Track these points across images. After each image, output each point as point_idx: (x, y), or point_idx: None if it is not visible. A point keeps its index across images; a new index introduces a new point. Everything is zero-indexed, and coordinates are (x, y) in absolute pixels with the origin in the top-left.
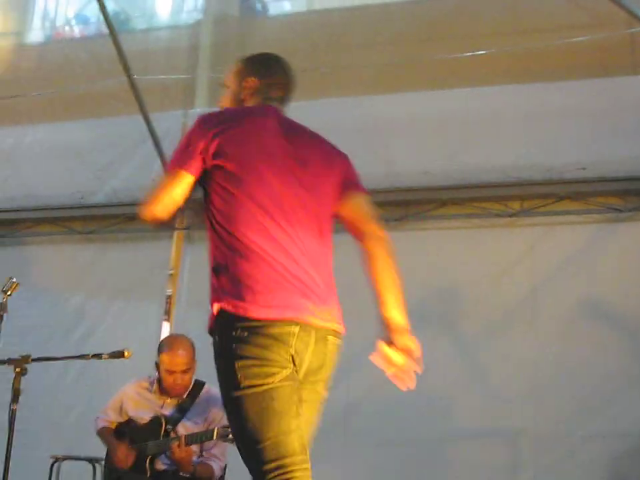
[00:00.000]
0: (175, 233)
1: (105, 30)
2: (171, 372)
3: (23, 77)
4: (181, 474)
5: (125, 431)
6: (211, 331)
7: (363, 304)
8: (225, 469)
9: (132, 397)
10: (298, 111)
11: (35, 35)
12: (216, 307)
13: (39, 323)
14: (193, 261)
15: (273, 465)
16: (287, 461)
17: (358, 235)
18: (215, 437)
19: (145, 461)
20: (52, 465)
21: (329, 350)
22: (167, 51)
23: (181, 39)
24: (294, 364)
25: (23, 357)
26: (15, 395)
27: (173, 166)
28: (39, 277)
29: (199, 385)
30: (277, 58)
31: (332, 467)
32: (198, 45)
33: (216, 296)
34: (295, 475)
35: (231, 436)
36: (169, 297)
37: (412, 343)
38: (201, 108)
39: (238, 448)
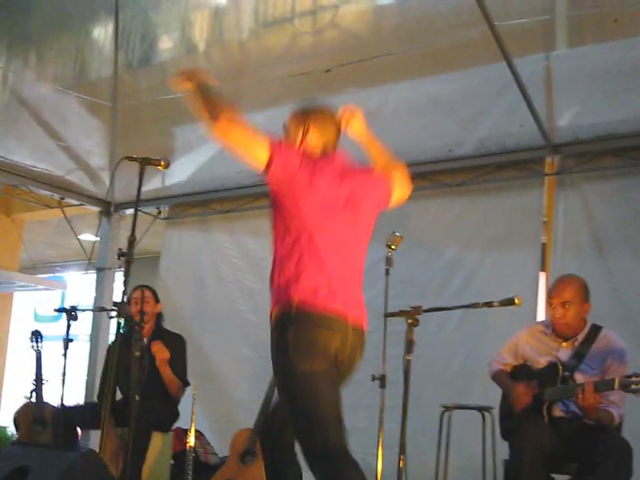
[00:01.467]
0: (546, 179)
1: None
2: (549, 302)
3: (383, 37)
4: (585, 421)
5: (520, 375)
6: None
7: None
8: (622, 416)
9: (527, 340)
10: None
11: None
12: None
13: (415, 277)
14: (566, 206)
15: None
16: None
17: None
18: (616, 387)
19: (542, 407)
20: (442, 414)
21: None
22: None
23: None
24: None
25: (414, 308)
26: (409, 346)
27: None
28: (412, 231)
29: (595, 328)
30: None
31: None
32: None
33: None
34: None
35: (633, 386)
36: (544, 245)
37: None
38: (563, 49)
39: None
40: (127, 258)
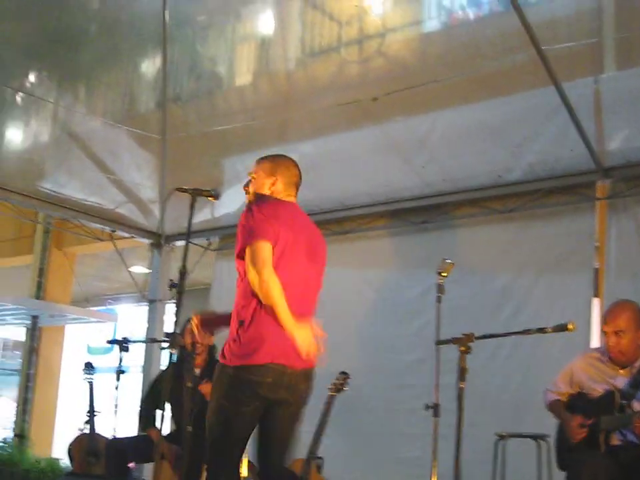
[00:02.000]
0: (597, 204)
1: (497, 8)
2: (603, 330)
3: (429, 64)
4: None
5: (576, 404)
6: None
7: None
8: None
9: (583, 368)
10: None
11: (433, 23)
12: None
13: (467, 304)
14: (618, 231)
15: None
16: None
17: None
18: None
19: (599, 436)
20: (496, 443)
21: None
22: (569, 17)
23: (584, 3)
24: None
25: (466, 335)
26: (462, 374)
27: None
28: (464, 258)
29: None
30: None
31: None
32: (602, 7)
33: None
34: None
35: None
36: (597, 271)
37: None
38: (611, 72)
39: None
40: (178, 289)
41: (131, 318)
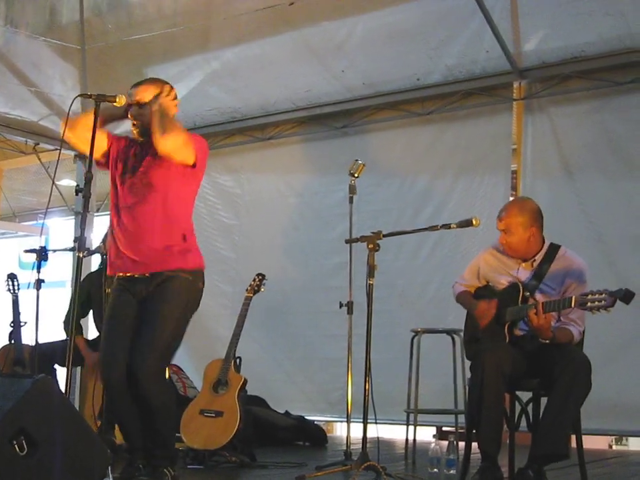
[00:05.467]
0: (514, 104)
1: None
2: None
3: None
4: (540, 340)
5: (483, 295)
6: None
7: None
8: (583, 333)
9: (488, 261)
10: None
11: None
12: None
13: (388, 207)
14: (534, 131)
15: None
16: None
17: None
18: (573, 305)
19: (504, 327)
20: (412, 339)
21: None
22: None
23: None
24: None
25: (374, 233)
26: (371, 270)
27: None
28: (383, 162)
29: (553, 248)
30: None
31: None
32: None
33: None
34: None
35: (589, 304)
36: (514, 172)
37: None
38: None
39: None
40: (84, 193)
41: (63, 232)
